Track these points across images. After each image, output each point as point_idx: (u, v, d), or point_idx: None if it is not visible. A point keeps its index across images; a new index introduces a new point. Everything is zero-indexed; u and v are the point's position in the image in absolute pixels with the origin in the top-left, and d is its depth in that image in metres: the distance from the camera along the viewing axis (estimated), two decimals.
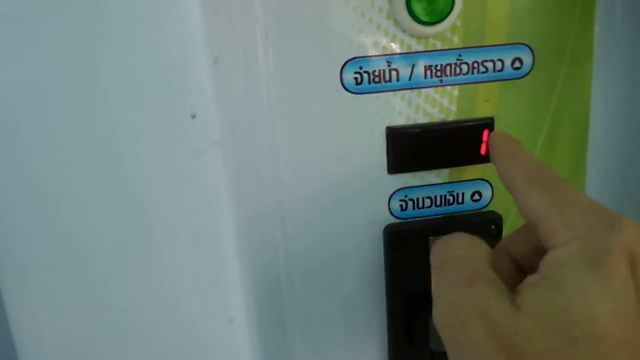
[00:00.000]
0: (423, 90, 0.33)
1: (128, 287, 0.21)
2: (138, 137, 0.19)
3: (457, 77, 0.33)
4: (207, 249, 0.21)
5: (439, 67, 0.33)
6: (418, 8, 0.31)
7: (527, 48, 0.34)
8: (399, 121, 0.33)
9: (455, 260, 0.23)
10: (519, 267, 0.26)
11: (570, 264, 0.20)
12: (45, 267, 0.21)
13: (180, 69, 0.18)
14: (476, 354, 0.20)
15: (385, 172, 0.34)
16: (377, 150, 0.34)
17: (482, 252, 0.24)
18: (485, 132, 0.34)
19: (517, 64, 0.34)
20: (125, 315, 0.21)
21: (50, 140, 0.19)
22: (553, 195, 0.23)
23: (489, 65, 0.34)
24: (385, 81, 0.33)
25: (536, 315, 0.20)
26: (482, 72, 0.34)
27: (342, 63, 0.32)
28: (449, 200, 0.35)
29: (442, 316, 0.22)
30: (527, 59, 0.34)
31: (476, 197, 0.36)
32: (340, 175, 0.34)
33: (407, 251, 0.35)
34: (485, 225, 0.35)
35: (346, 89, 0.32)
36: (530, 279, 0.21)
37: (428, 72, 0.33)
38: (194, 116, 0.19)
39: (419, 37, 0.32)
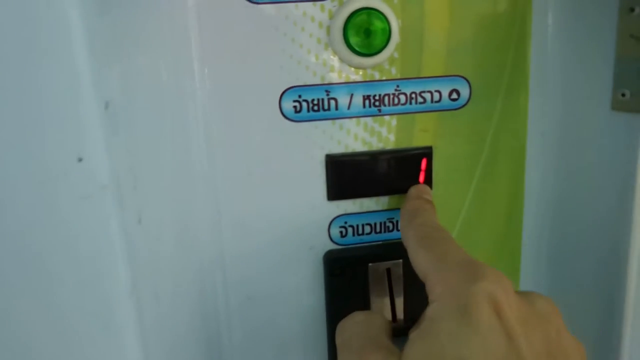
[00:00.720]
0: (362, 119, 0.34)
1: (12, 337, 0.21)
2: (19, 182, 0.19)
3: (396, 107, 0.34)
4: (97, 293, 0.21)
5: (377, 97, 0.34)
6: (355, 40, 0.32)
7: (464, 80, 0.35)
8: (338, 149, 0.34)
9: (352, 336, 0.26)
10: None
11: (442, 315, 0.22)
12: None
13: (66, 114, 0.19)
14: None
15: (325, 199, 0.34)
16: (317, 178, 0.34)
17: (377, 325, 0.27)
18: (424, 161, 0.35)
19: (454, 96, 0.35)
20: None
21: None
22: (435, 254, 0.26)
23: (427, 96, 0.35)
24: (324, 110, 0.33)
25: None
26: (420, 103, 0.35)
27: (281, 91, 0.33)
28: (388, 227, 0.36)
29: None
30: (464, 90, 0.35)
31: None
32: (280, 202, 0.34)
33: (346, 277, 0.35)
34: None
35: (285, 117, 0.33)
36: (411, 335, 0.23)
37: (367, 102, 0.34)
38: (80, 159, 0.19)
39: (357, 68, 0.33)
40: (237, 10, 0.31)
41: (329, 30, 0.32)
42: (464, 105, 0.35)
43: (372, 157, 0.34)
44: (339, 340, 0.27)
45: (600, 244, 0.35)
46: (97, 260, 0.20)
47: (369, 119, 0.34)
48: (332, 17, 0.32)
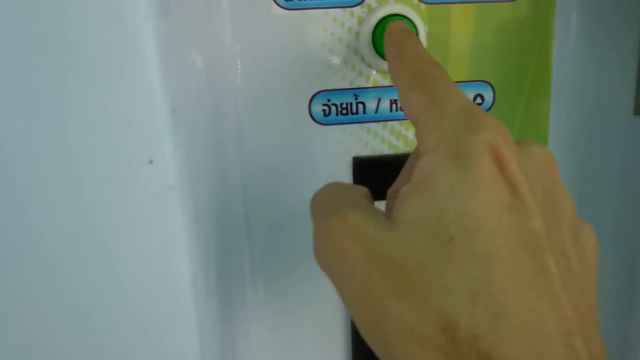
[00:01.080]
0: (389, 123, 0.35)
1: (83, 327, 0.22)
2: (97, 181, 0.20)
3: None
4: (161, 285, 0.22)
5: None
6: (383, 46, 0.33)
7: (488, 85, 0.36)
8: (365, 152, 0.35)
9: (326, 201, 0.24)
10: None
11: (439, 168, 0.20)
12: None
13: (139, 119, 0.20)
14: (358, 278, 0.20)
15: None
16: (344, 180, 0.35)
17: (354, 189, 0.24)
18: None
19: (478, 100, 0.36)
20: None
21: (8, 182, 0.20)
22: (430, 97, 0.22)
23: None
24: (352, 114, 0.34)
25: (411, 224, 0.20)
26: None
27: (311, 95, 0.33)
28: None
29: (320, 252, 0.22)
30: (488, 95, 0.36)
31: None
32: (308, 203, 0.35)
33: None
34: None
35: (315, 120, 0.34)
36: (403, 189, 0.21)
37: (394, 106, 0.35)
38: (151, 162, 0.20)
39: (384, 73, 0.34)
40: (269, 16, 0.32)
41: (358, 35, 0.33)
42: (487, 110, 0.36)
43: (398, 160, 0.35)
44: (312, 212, 0.24)
45: (621, 252, 0.36)
46: (162, 255, 0.21)
47: (395, 123, 0.35)
48: (361, 22, 0.33)
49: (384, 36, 0.28)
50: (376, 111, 0.34)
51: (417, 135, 0.22)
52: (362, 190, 0.24)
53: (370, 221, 0.21)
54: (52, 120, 0.20)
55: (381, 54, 0.33)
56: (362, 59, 0.33)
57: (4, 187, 0.20)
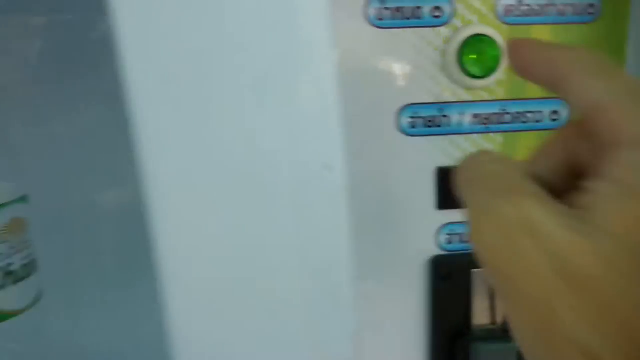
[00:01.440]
0: (470, 135, 0.37)
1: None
2: (285, 184, 0.24)
3: (501, 126, 0.37)
4: (328, 277, 0.25)
5: (485, 116, 0.37)
6: (467, 64, 0.35)
7: (564, 102, 0.38)
8: (448, 162, 0.37)
9: (486, 173, 0.20)
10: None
11: None
12: None
13: (322, 132, 0.23)
14: (536, 285, 0.17)
15: (435, 208, 0.37)
16: (428, 188, 0.37)
17: (514, 165, 0.20)
18: None
19: (554, 116, 0.38)
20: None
21: (214, 184, 0.24)
22: (611, 82, 0.18)
23: (530, 116, 0.37)
24: (437, 126, 0.36)
25: (617, 236, 0.16)
26: (524, 122, 0.37)
27: (399, 108, 0.36)
28: None
29: (482, 238, 0.18)
30: (563, 112, 0.38)
31: None
32: (394, 208, 0.37)
33: (451, 281, 0.37)
34: None
35: (402, 131, 0.36)
36: (599, 187, 0.17)
37: (475, 120, 0.37)
38: (328, 167, 0.23)
39: (468, 89, 0.36)
40: (362, 33, 0.35)
41: (443, 53, 0.36)
42: None
43: None
44: (464, 178, 0.21)
45: None
46: (331, 255, 0.24)
47: (476, 136, 0.37)
48: (446, 42, 0.35)
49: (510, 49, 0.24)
50: (459, 124, 0.37)
51: (602, 126, 0.18)
52: (524, 167, 0.20)
53: (550, 216, 0.17)
54: (255, 134, 0.23)
55: (465, 71, 0.35)
56: (447, 75, 0.36)
57: (212, 188, 0.23)
